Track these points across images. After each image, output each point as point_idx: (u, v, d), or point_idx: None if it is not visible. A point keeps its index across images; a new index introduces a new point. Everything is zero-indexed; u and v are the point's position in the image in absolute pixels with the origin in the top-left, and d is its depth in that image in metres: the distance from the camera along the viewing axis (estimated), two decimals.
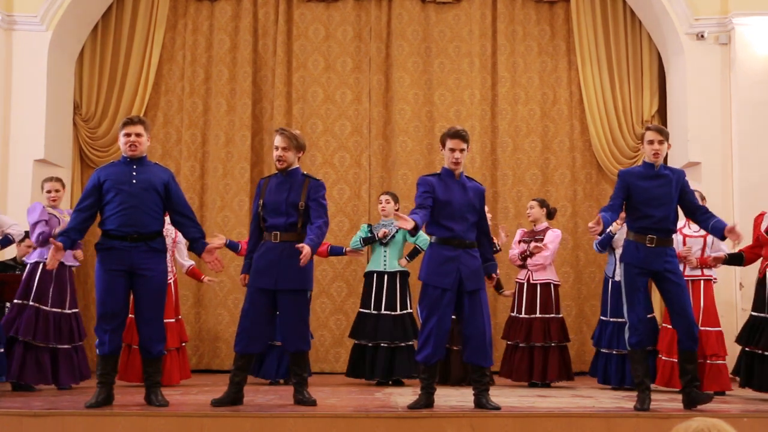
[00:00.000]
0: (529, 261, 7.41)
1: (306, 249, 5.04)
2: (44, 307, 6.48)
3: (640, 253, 5.28)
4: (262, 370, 7.17)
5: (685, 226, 6.79)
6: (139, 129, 5.25)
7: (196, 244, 5.35)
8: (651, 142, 5.34)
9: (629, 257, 5.33)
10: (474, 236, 5.27)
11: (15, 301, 6.51)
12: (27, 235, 7.58)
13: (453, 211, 5.17)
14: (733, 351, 6.76)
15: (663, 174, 5.36)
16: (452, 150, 5.23)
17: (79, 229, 5.21)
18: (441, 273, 5.14)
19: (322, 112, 9.30)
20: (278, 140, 5.37)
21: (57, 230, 6.41)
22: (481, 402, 5.11)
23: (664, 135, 5.37)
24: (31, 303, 6.47)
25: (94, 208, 5.23)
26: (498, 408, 5.04)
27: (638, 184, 5.34)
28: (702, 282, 6.77)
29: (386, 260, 7.34)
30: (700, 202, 6.71)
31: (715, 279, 6.97)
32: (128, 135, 5.24)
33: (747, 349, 6.37)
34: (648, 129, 5.44)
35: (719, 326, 6.75)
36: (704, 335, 6.55)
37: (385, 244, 7.36)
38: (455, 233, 5.17)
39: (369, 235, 7.41)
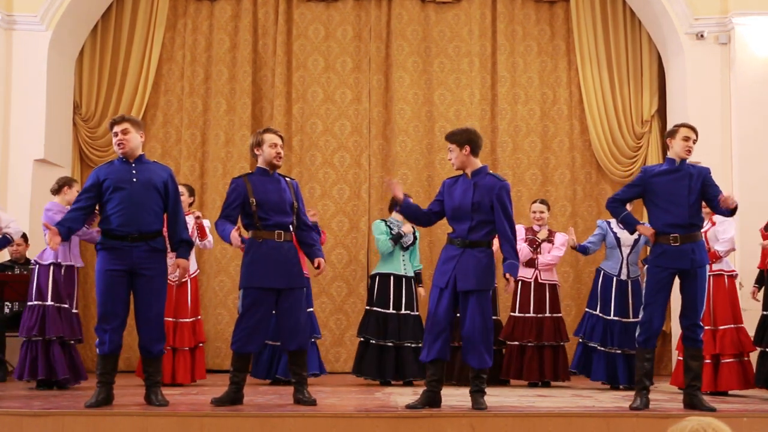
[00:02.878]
0: (540, 260, 7.39)
1: (324, 264, 5.50)
2: (60, 305, 6.57)
3: (665, 252, 5.29)
4: (255, 370, 7.17)
5: None
6: (125, 125, 5.22)
7: (177, 246, 5.38)
8: (687, 139, 5.36)
9: (654, 257, 5.35)
10: (482, 235, 5.20)
11: (30, 303, 6.56)
12: (25, 235, 7.64)
13: (455, 211, 5.22)
14: None
15: (681, 168, 5.37)
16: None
17: (75, 219, 5.21)
18: (440, 272, 5.22)
19: (322, 112, 9.30)
20: (276, 138, 5.42)
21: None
22: (472, 402, 5.11)
23: (697, 134, 5.42)
24: (49, 303, 6.54)
25: (91, 205, 5.24)
26: (483, 409, 5.00)
27: (656, 182, 5.36)
28: (711, 278, 6.55)
29: (405, 265, 7.33)
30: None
31: (733, 274, 6.71)
32: (116, 134, 5.24)
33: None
34: (683, 126, 5.45)
35: (729, 324, 6.60)
36: (718, 334, 6.52)
37: (405, 249, 7.33)
38: (456, 233, 5.22)
39: (394, 233, 7.31)
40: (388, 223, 7.44)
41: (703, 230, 6.54)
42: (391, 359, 7.17)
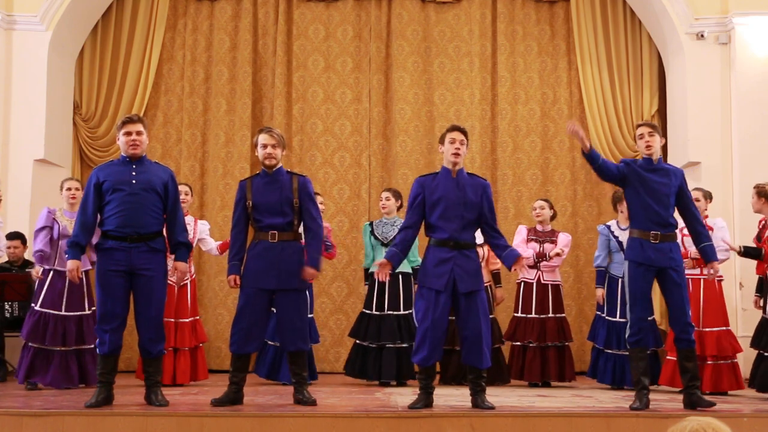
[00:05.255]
0: (543, 262, 7.37)
1: (311, 272, 5.33)
2: (57, 312, 6.51)
3: (645, 250, 5.31)
4: (258, 368, 7.17)
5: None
6: (139, 127, 5.25)
7: (175, 249, 5.37)
8: (641, 137, 5.47)
9: (634, 255, 5.36)
10: (470, 236, 5.26)
11: (32, 306, 6.60)
12: (23, 237, 7.64)
13: (446, 210, 5.19)
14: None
15: (661, 168, 5.44)
16: (452, 141, 5.29)
17: (86, 232, 5.22)
18: (435, 275, 5.16)
19: (322, 112, 9.30)
20: (266, 138, 5.38)
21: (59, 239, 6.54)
22: (477, 402, 5.13)
23: (652, 128, 5.47)
24: (39, 308, 6.52)
25: (97, 208, 5.23)
26: (492, 408, 5.06)
27: (638, 173, 5.38)
28: (702, 281, 6.64)
29: None
30: (705, 202, 6.74)
31: (720, 277, 6.73)
32: (129, 134, 5.22)
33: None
34: (638, 126, 5.59)
35: (724, 325, 6.62)
36: (706, 336, 6.53)
37: (386, 245, 7.28)
38: (449, 234, 5.17)
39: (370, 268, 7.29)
40: (373, 226, 7.41)
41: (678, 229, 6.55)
42: (372, 360, 7.13)
